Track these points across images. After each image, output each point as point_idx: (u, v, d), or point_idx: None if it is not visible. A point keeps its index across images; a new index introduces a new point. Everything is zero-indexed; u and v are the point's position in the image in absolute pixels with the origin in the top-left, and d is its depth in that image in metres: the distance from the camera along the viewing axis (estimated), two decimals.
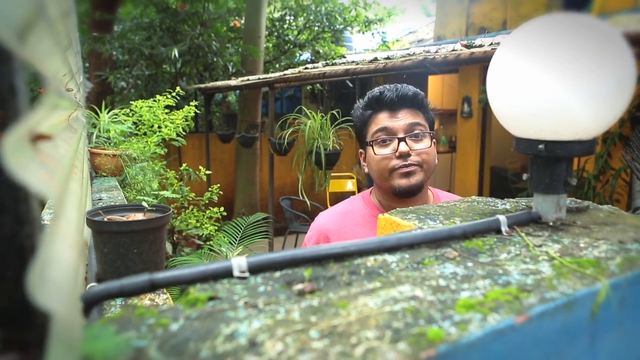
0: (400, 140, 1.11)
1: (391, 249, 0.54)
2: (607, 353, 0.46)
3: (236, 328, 0.36)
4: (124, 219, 0.86)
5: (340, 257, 0.52)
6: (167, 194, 1.79)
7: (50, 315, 0.22)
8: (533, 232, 0.61)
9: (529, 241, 0.57)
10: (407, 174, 1.11)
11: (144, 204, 0.90)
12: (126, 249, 0.79)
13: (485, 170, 5.45)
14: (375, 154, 1.13)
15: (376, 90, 1.16)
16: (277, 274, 0.48)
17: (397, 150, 1.11)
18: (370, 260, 0.51)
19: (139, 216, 0.89)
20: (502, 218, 0.61)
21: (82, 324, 0.35)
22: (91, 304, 0.43)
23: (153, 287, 0.46)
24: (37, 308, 0.24)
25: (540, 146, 0.60)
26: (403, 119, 1.13)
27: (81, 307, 0.41)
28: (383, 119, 1.14)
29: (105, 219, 0.84)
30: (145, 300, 0.81)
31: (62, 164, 0.38)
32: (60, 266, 0.27)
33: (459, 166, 5.70)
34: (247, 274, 0.47)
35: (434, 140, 1.17)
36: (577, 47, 0.54)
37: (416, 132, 1.12)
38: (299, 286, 0.45)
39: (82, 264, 0.63)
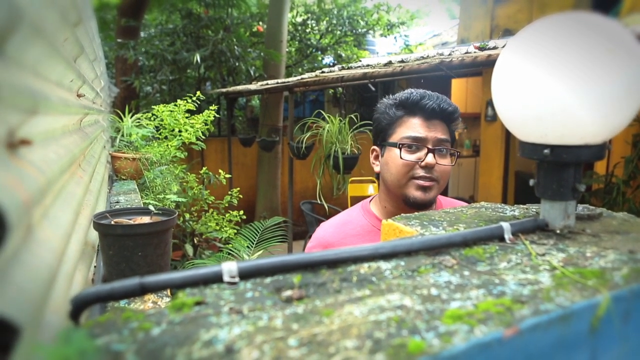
0: (429, 151, 1.10)
1: (387, 255, 0.53)
2: None
3: (215, 334, 0.36)
4: (131, 222, 0.88)
5: (334, 263, 0.51)
6: (174, 197, 1.82)
7: (8, 317, 0.23)
8: (538, 240, 0.58)
9: (532, 250, 0.55)
10: (425, 188, 1.10)
11: (151, 207, 0.92)
12: (130, 251, 0.81)
13: (510, 174, 5.31)
14: (401, 157, 1.11)
15: (415, 93, 1.13)
16: (268, 279, 0.47)
17: (423, 160, 1.09)
18: (365, 268, 0.50)
19: (146, 219, 0.90)
20: (505, 225, 0.59)
21: (57, 326, 0.35)
22: (81, 307, 0.43)
23: (143, 290, 0.46)
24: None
25: (546, 151, 0.58)
26: (434, 131, 1.11)
27: (70, 310, 0.42)
28: (416, 125, 1.12)
29: (113, 222, 0.86)
30: (148, 303, 0.82)
31: (52, 168, 0.38)
32: (29, 269, 0.27)
33: (483, 171, 5.59)
34: (237, 279, 0.47)
35: (454, 157, 1.15)
36: (583, 49, 0.52)
37: (443, 147, 1.12)
38: (288, 292, 0.45)
39: (85, 266, 0.64)
